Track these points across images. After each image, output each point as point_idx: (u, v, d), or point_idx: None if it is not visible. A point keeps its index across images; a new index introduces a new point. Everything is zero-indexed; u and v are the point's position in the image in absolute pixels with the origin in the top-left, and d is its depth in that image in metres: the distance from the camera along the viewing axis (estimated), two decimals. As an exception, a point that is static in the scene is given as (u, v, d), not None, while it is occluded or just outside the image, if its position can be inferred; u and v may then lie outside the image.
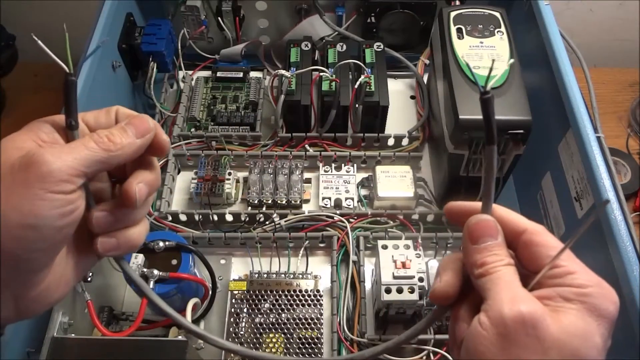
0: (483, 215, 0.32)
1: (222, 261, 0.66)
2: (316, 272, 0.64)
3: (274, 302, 0.61)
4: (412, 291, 0.55)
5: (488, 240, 0.31)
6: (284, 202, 0.69)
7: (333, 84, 0.70)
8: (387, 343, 0.35)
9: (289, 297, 0.61)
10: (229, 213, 0.67)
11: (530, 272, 0.30)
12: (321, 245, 0.67)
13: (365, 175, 0.72)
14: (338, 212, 0.67)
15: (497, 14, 0.65)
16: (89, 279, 0.54)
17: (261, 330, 0.59)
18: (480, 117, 0.54)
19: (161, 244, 0.54)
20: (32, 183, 0.26)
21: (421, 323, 0.35)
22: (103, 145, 0.30)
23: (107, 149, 0.30)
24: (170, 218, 0.67)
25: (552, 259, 0.29)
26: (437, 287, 0.32)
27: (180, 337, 0.51)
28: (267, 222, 0.67)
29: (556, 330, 0.27)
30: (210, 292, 0.59)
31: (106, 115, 0.33)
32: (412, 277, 0.55)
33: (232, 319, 0.60)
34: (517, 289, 0.29)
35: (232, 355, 0.57)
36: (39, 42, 0.30)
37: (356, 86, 0.68)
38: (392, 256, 0.57)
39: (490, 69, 0.29)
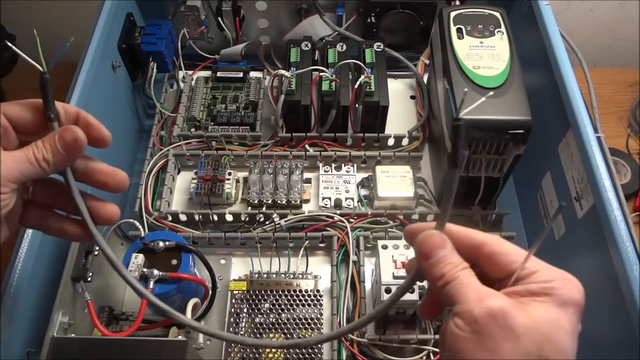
0: (426, 231, 0.34)
1: (222, 261, 0.66)
2: (316, 272, 0.64)
3: (274, 302, 0.61)
4: (412, 291, 0.55)
5: (439, 251, 0.33)
6: (284, 202, 0.69)
7: (333, 84, 0.70)
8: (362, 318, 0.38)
9: (289, 297, 0.61)
10: (229, 213, 0.67)
11: (495, 280, 0.33)
12: (321, 245, 0.67)
13: (365, 175, 0.72)
14: (338, 212, 0.67)
15: (497, 14, 0.65)
16: (89, 279, 0.54)
17: (261, 330, 0.59)
18: (481, 117, 0.55)
19: (161, 244, 0.54)
20: None
21: (400, 287, 0.37)
22: (39, 163, 0.35)
23: (43, 168, 0.35)
24: (170, 218, 0.67)
25: (523, 260, 0.32)
26: (418, 308, 0.37)
27: (180, 337, 0.51)
28: (267, 222, 0.67)
29: (525, 319, 0.29)
30: (210, 292, 0.59)
31: (29, 109, 0.37)
32: (412, 277, 0.55)
33: (232, 319, 0.60)
34: (480, 287, 0.31)
35: (232, 355, 0.57)
36: (13, 47, 0.37)
37: (356, 86, 0.68)
38: (392, 256, 0.57)
39: (463, 100, 0.30)
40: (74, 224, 0.40)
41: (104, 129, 0.38)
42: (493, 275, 0.33)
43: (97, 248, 0.55)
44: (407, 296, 0.54)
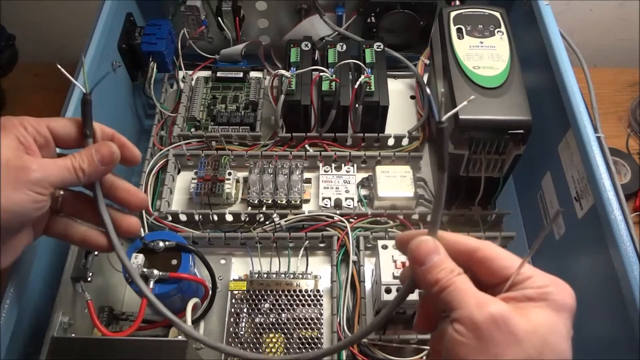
0: (419, 237, 0.34)
1: (222, 261, 0.66)
2: (316, 272, 0.64)
3: (274, 302, 0.61)
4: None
5: (433, 257, 0.33)
6: (284, 202, 0.69)
7: (333, 84, 0.70)
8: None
9: (289, 297, 0.61)
10: (229, 213, 0.67)
11: (488, 286, 0.33)
12: (321, 245, 0.67)
13: (365, 175, 0.72)
14: (338, 212, 0.67)
15: (497, 14, 0.65)
16: (89, 279, 0.54)
17: (261, 331, 0.59)
18: (481, 117, 0.55)
19: (161, 244, 0.54)
20: (23, 183, 0.36)
21: (384, 312, 0.37)
22: (76, 172, 0.39)
23: (79, 176, 0.39)
24: (170, 218, 0.67)
25: (520, 264, 0.32)
26: (414, 324, 0.38)
27: (180, 337, 0.51)
28: (267, 222, 0.67)
29: (525, 324, 0.30)
30: (210, 292, 0.59)
31: (72, 125, 0.41)
32: (412, 277, 0.55)
33: (232, 319, 0.60)
34: (478, 293, 0.31)
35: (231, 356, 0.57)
36: (61, 68, 0.41)
37: (356, 86, 0.68)
38: (392, 256, 0.57)
39: (442, 103, 0.30)
40: (97, 234, 0.44)
41: (136, 149, 0.43)
42: (486, 281, 0.33)
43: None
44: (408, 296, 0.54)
